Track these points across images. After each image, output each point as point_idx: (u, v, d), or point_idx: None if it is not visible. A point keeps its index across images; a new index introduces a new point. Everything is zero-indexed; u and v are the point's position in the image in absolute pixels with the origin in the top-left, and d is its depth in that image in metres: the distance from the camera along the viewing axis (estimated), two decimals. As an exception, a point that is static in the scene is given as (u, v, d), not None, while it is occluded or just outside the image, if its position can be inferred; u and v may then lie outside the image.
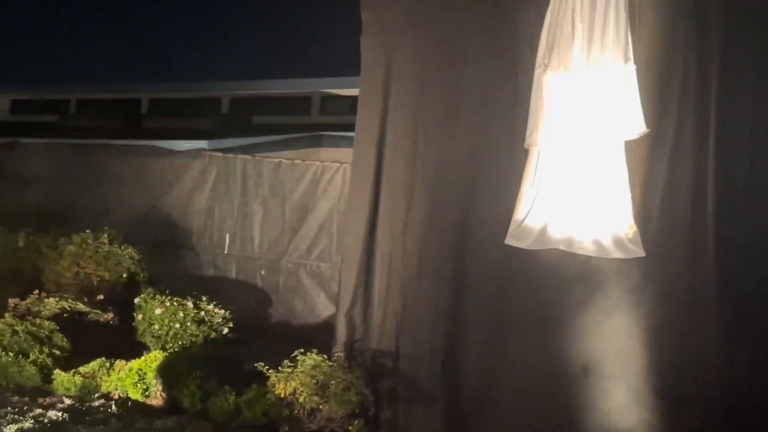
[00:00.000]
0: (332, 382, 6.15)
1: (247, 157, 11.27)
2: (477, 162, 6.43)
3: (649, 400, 5.61)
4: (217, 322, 9.07)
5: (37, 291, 8.71)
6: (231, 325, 9.16)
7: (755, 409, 5.37)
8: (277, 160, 11.11)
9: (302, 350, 6.51)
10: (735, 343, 5.37)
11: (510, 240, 6.04)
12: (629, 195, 5.66)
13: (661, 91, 5.70)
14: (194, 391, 6.86)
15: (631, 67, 5.64)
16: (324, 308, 10.40)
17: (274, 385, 6.41)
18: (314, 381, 6.22)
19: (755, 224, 5.37)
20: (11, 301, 8.43)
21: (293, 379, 6.33)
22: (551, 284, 5.99)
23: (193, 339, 8.83)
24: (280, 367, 6.46)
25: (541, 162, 6.00)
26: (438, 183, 6.60)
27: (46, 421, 6.09)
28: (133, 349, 8.58)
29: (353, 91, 16.59)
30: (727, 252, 5.40)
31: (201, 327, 8.94)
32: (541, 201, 5.96)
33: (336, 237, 10.40)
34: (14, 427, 5.84)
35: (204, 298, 9.19)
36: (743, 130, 5.43)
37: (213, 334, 9.04)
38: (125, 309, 9.14)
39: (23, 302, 8.41)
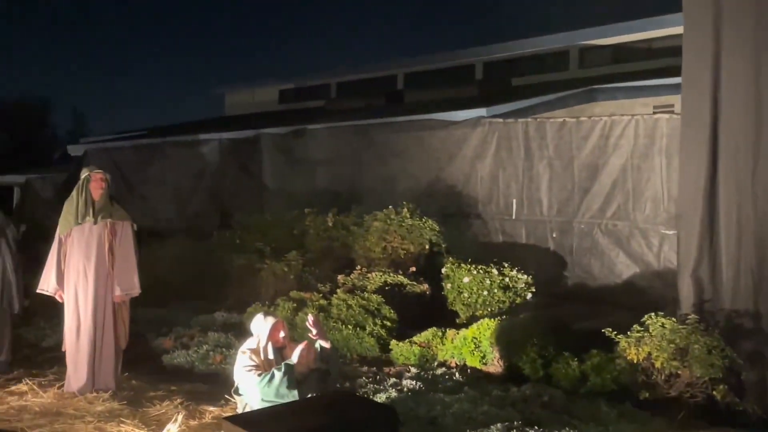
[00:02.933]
0: (695, 345, 5.81)
1: (529, 119, 11.08)
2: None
3: None
4: (521, 288, 9.08)
5: (359, 267, 9.14)
6: (533, 290, 9.12)
7: None
8: (561, 119, 10.81)
9: (652, 314, 6.21)
10: None
11: None
12: None
13: None
14: (534, 357, 6.82)
15: None
16: (624, 268, 10.05)
17: (624, 351, 6.19)
18: (672, 345, 5.92)
19: None
20: (340, 278, 8.91)
21: (645, 344, 6.08)
22: None
23: (500, 305, 8.90)
24: (628, 332, 6.23)
25: None
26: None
27: (405, 390, 6.30)
28: (446, 317, 8.81)
29: (614, 40, 16.02)
30: None
31: (507, 293, 8.98)
32: None
33: (632, 194, 9.97)
34: (383, 396, 6.10)
35: (506, 265, 9.22)
36: None
37: (518, 300, 9.06)
38: (429, 278, 9.38)
39: (349, 278, 8.84)
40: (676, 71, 10.65)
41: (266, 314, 5.17)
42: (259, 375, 4.74)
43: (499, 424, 5.26)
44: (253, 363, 4.87)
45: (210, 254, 10.96)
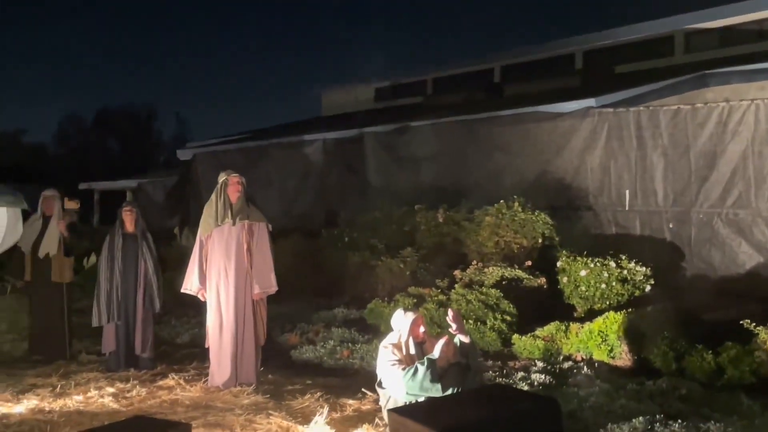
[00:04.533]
0: None
1: (641, 108, 10.88)
2: None
3: None
4: (639, 280, 8.95)
5: (473, 262, 9.19)
6: (652, 282, 8.97)
7: None
8: (675, 107, 10.57)
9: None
10: None
11: None
12: None
13: None
14: (665, 350, 6.73)
15: None
16: (747, 258, 9.77)
17: (763, 342, 6.06)
18: (817, 336, 5.76)
19: None
20: (456, 273, 8.99)
21: (789, 335, 5.93)
22: None
23: (619, 298, 8.79)
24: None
25: None
26: None
27: (536, 383, 6.33)
28: (563, 311, 8.76)
29: (722, 23, 15.53)
30: None
31: (625, 286, 8.86)
32: None
33: (754, 181, 9.67)
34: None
35: (623, 257, 9.09)
36: None
37: (636, 292, 8.93)
38: (544, 272, 9.33)
39: (466, 273, 8.91)
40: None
41: (406, 309, 5.29)
42: (403, 369, 4.87)
43: (641, 418, 5.23)
44: (396, 357, 5.00)
45: (321, 252, 11.24)
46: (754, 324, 6.13)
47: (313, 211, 14.54)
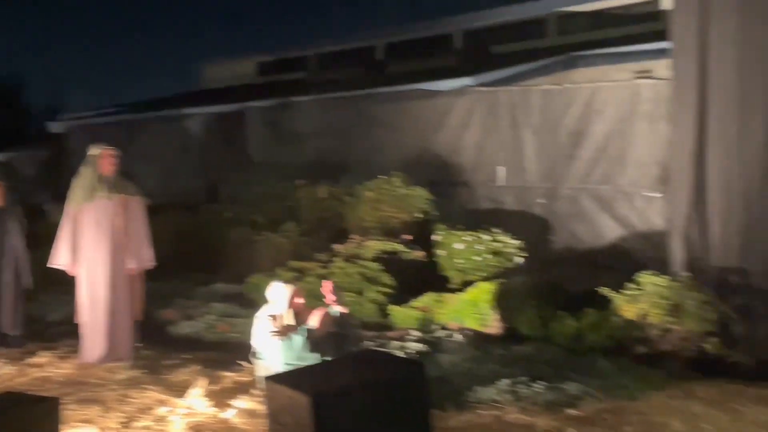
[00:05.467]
0: (688, 301, 6.12)
1: (514, 88, 11.29)
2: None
3: None
4: (511, 252, 9.31)
5: (354, 236, 9.34)
6: (524, 254, 9.38)
7: None
8: (545, 87, 11.03)
9: (645, 273, 6.51)
10: None
11: None
12: None
13: None
14: (532, 318, 7.09)
15: None
16: (610, 231, 10.30)
17: (619, 308, 6.49)
18: (666, 301, 6.22)
19: None
20: (336, 247, 9.11)
21: (641, 301, 6.38)
22: None
23: (492, 270, 9.13)
24: (621, 291, 6.52)
25: None
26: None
27: (412, 351, 6.56)
28: (440, 282, 9.04)
29: (592, 6, 16.20)
30: None
31: (498, 258, 9.22)
32: None
33: (616, 159, 10.24)
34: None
35: (496, 231, 9.46)
36: None
37: (508, 264, 9.31)
38: (422, 246, 9.59)
39: (347, 246, 9.05)
40: (655, 37, 10.97)
41: (284, 281, 5.38)
42: (281, 339, 4.96)
43: (506, 380, 5.53)
44: (274, 328, 5.08)
45: (202, 228, 11.10)
46: (611, 291, 6.54)
47: (195, 186, 14.28)
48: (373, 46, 19.07)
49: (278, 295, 5.27)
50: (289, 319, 5.19)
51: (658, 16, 13.26)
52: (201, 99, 17.50)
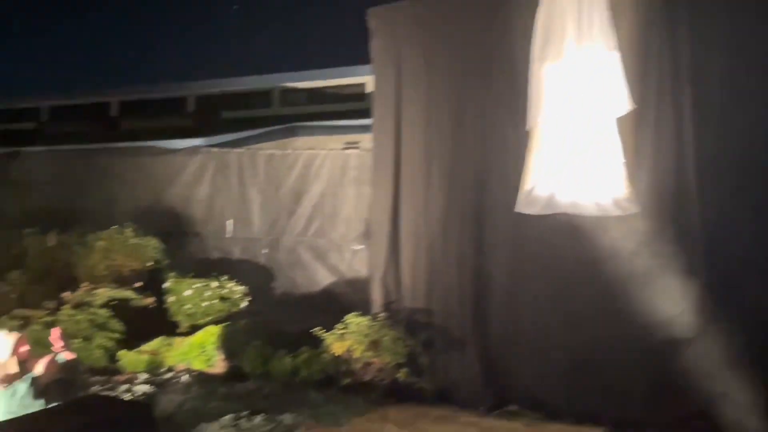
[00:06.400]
0: (385, 338, 6.53)
1: (242, 150, 11.41)
2: (486, 141, 6.83)
3: (639, 332, 6.11)
4: (237, 298, 9.30)
5: (84, 284, 8.71)
6: (249, 299, 9.41)
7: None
8: (270, 151, 11.28)
9: (351, 314, 6.84)
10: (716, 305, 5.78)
11: (520, 208, 6.45)
12: (623, 161, 6.16)
13: (642, 73, 6.16)
14: (254, 356, 7.12)
15: (616, 55, 6.12)
16: (323, 278, 10.67)
17: (329, 345, 6.75)
18: (367, 338, 6.59)
19: (736, 194, 5.79)
20: (65, 295, 8.44)
21: (347, 339, 6.69)
22: (558, 244, 6.43)
23: (219, 314, 9.04)
24: (332, 330, 6.80)
25: (543, 141, 6.45)
26: (453, 163, 7.00)
27: (139, 393, 6.25)
28: (170, 327, 8.75)
29: (311, 84, 16.98)
30: (711, 220, 5.83)
31: (225, 303, 9.15)
32: (546, 173, 6.41)
33: (329, 216, 10.70)
34: (118, 401, 5.98)
35: (224, 278, 9.41)
36: (714, 104, 5.94)
37: (235, 309, 9.28)
38: (154, 292, 9.24)
39: (76, 294, 8.41)
40: (362, 114, 11.75)
41: (7, 330, 4.88)
42: (4, 388, 4.47)
43: (229, 416, 5.49)
44: (-5, 378, 4.57)
45: None
46: (323, 331, 6.79)
47: None
48: (108, 102, 18.21)
49: (1, 344, 4.75)
50: (13, 368, 4.69)
51: (364, 97, 14.28)
52: None
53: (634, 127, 6.19)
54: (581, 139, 6.28)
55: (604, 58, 6.14)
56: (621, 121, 6.16)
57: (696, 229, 5.96)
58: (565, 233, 6.39)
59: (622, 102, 6.10)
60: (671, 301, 6.00)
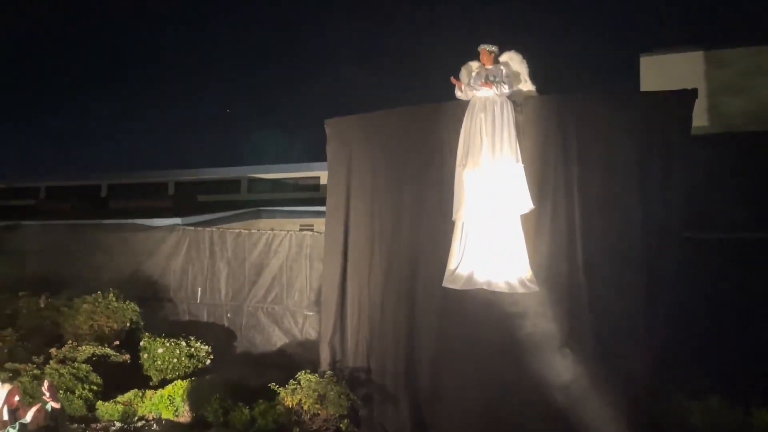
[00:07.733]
0: (331, 392, 6.53)
1: (213, 229, 11.41)
2: (419, 229, 7.10)
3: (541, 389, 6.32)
4: (203, 356, 9.13)
5: (69, 341, 8.44)
6: (212, 357, 9.25)
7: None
8: (237, 230, 11.32)
9: (307, 371, 6.82)
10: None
11: (446, 283, 6.70)
12: (525, 249, 6.51)
13: (541, 180, 6.63)
14: (217, 408, 6.99)
15: (521, 166, 6.57)
16: (278, 339, 10.53)
17: (283, 399, 6.70)
18: (315, 393, 6.57)
19: (615, 272, 6.27)
20: (52, 350, 8.15)
21: (298, 393, 6.66)
22: (476, 314, 6.64)
23: (186, 370, 8.85)
24: (286, 386, 6.76)
25: (465, 229, 6.77)
26: (391, 246, 7.22)
27: (112, 440, 6.06)
28: (143, 381, 8.51)
29: (274, 175, 17.19)
30: (596, 292, 6.23)
31: (191, 360, 8.98)
32: (467, 255, 6.71)
33: (286, 286, 10.71)
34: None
35: (191, 338, 9.26)
36: (596, 202, 6.42)
37: (200, 365, 9.09)
38: (130, 350, 9.01)
39: (61, 350, 8.14)
40: (317, 202, 11.98)
41: (2, 381, 4.75)
42: (-5, 434, 4.34)
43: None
44: (-12, 425, 4.44)
45: None
46: (277, 386, 6.74)
47: None
48: (99, 185, 18.00)
49: (-5, 394, 4.63)
50: (5, 416, 4.56)
51: (319, 188, 14.57)
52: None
53: (534, 222, 6.57)
54: (494, 230, 6.63)
55: (511, 167, 6.58)
56: (524, 216, 6.55)
57: (584, 301, 6.29)
58: (483, 306, 6.62)
59: (525, 202, 6.51)
60: (565, 362, 6.26)
